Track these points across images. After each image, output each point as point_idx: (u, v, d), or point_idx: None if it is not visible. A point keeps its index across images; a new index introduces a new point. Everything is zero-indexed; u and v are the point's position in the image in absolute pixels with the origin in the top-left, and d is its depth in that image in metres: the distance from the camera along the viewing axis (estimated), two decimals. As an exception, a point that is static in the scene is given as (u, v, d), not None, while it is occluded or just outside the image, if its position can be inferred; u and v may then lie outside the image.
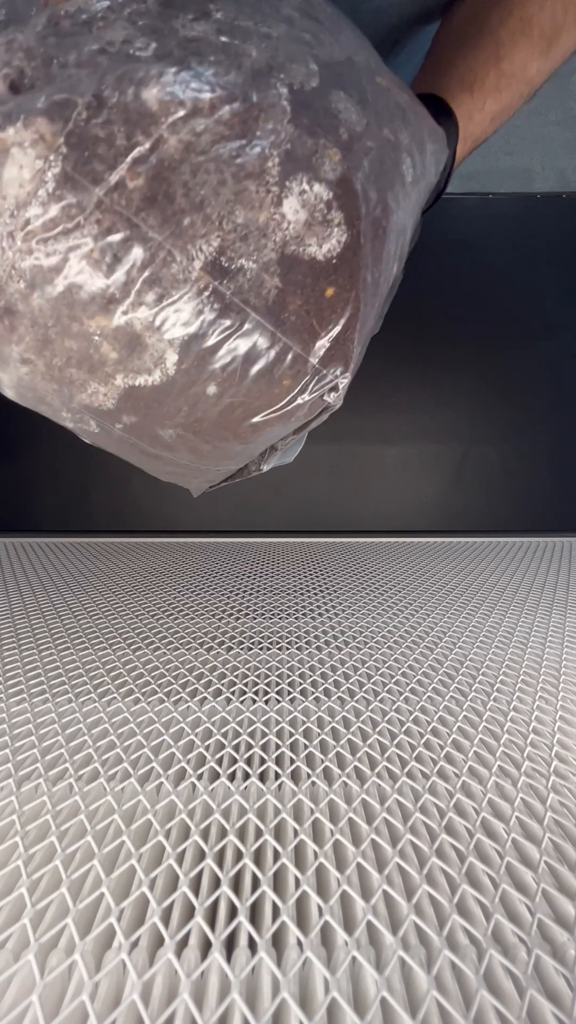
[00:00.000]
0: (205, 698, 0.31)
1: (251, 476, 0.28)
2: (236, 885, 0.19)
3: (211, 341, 0.19)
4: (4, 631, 0.41)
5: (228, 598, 0.49)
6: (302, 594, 0.50)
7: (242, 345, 0.19)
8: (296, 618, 0.44)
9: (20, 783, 0.24)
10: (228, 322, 0.19)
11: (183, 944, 0.17)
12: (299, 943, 0.17)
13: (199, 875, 0.20)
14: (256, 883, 0.19)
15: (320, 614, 0.45)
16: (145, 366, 0.20)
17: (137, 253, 0.18)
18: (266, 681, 0.33)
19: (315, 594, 0.50)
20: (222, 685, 0.33)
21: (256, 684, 0.33)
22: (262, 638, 0.40)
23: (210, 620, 0.43)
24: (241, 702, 0.31)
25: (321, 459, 0.78)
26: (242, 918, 0.18)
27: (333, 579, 0.55)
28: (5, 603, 0.47)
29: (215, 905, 0.18)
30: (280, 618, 0.44)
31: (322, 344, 0.20)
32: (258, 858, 0.20)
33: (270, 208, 0.18)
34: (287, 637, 0.40)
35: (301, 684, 0.33)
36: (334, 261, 0.19)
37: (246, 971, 0.16)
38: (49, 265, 0.18)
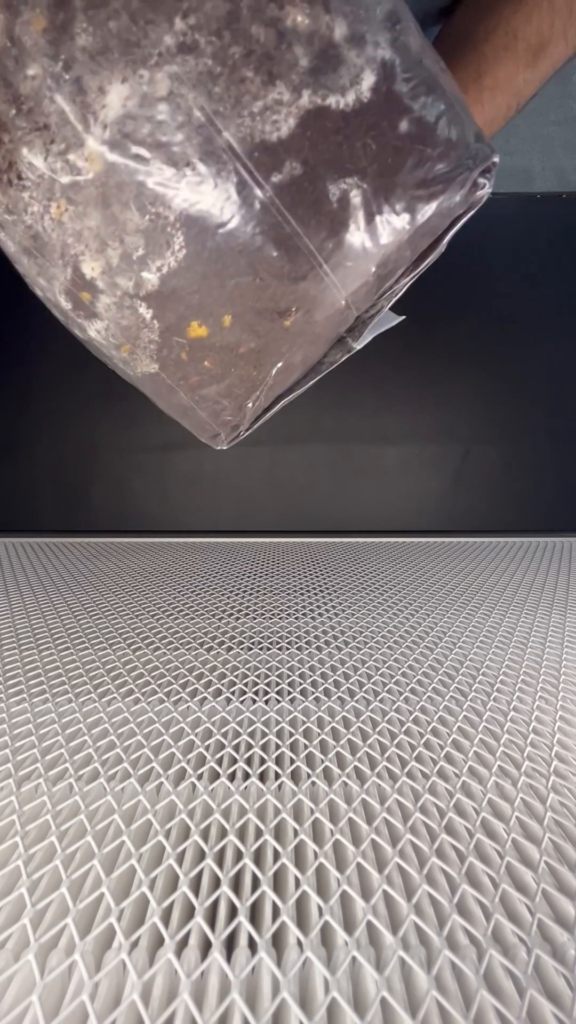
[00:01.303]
0: (205, 698, 0.31)
1: (341, 360, 0.24)
2: (236, 885, 0.19)
3: (403, 81, 0.19)
4: (4, 631, 0.41)
5: (228, 598, 0.49)
6: (302, 594, 0.50)
7: (428, 100, 0.19)
8: (296, 618, 0.44)
9: (20, 783, 0.24)
10: (418, 76, 0.19)
11: (183, 944, 0.17)
12: (299, 943, 0.17)
13: (199, 875, 0.20)
14: (256, 883, 0.19)
15: (320, 614, 0.45)
16: (339, 83, 0.17)
17: None
18: (266, 681, 0.33)
19: (315, 594, 0.50)
20: (222, 685, 0.33)
21: (256, 684, 0.33)
22: (262, 638, 0.40)
23: (210, 620, 0.43)
24: (241, 702, 0.31)
25: (321, 459, 0.78)
26: (242, 918, 0.18)
27: (333, 579, 0.55)
28: (5, 603, 0.47)
29: (215, 905, 0.18)
30: (280, 618, 0.44)
31: (478, 128, 0.22)
32: (258, 858, 0.20)
33: (421, 38, 0.20)
34: (287, 637, 0.40)
35: (301, 684, 0.33)
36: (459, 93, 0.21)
37: (246, 971, 0.16)
38: None
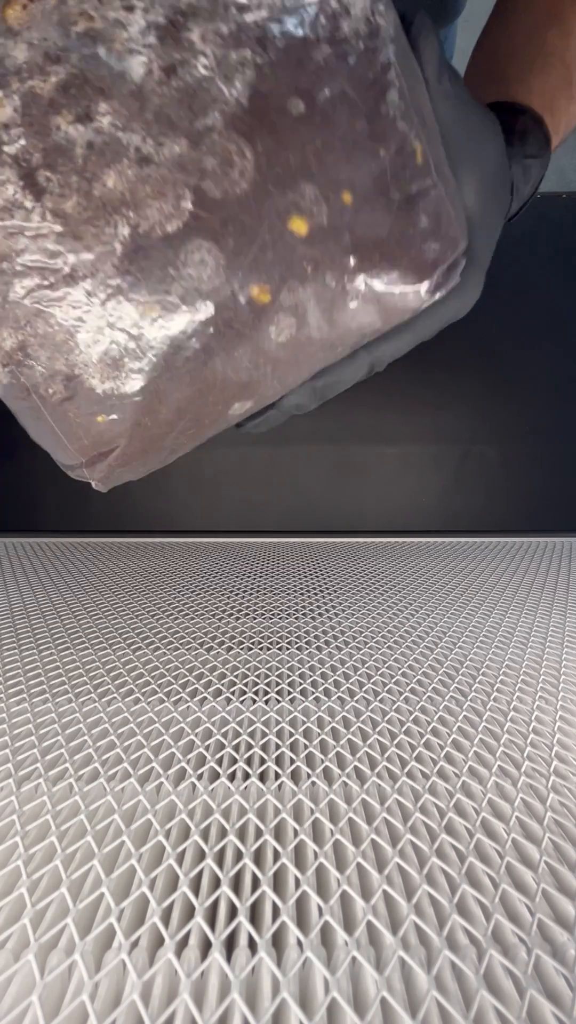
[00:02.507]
0: (205, 698, 0.31)
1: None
2: (236, 885, 0.19)
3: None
4: (4, 631, 0.41)
5: (228, 598, 0.49)
6: (302, 594, 0.50)
7: (29, 423, 0.22)
8: (296, 618, 0.44)
9: (20, 783, 0.24)
10: (22, 399, 0.21)
11: (183, 944, 0.17)
12: (299, 943, 0.17)
13: (199, 875, 0.20)
14: (256, 883, 0.19)
15: (320, 614, 0.45)
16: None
17: None
18: (266, 681, 0.33)
19: (315, 594, 0.50)
20: (222, 685, 0.33)
21: (256, 684, 0.33)
22: (262, 638, 0.40)
23: (210, 620, 0.43)
24: (241, 702, 0.31)
25: (321, 459, 0.78)
26: (242, 918, 0.18)
27: (333, 579, 0.55)
28: (5, 603, 0.47)
29: (215, 905, 0.18)
30: (280, 618, 0.44)
31: (99, 462, 0.23)
32: (258, 858, 0.20)
33: (68, 339, 0.19)
34: (287, 637, 0.40)
35: (301, 684, 0.33)
36: (112, 399, 0.20)
37: (246, 971, 0.16)
38: None
